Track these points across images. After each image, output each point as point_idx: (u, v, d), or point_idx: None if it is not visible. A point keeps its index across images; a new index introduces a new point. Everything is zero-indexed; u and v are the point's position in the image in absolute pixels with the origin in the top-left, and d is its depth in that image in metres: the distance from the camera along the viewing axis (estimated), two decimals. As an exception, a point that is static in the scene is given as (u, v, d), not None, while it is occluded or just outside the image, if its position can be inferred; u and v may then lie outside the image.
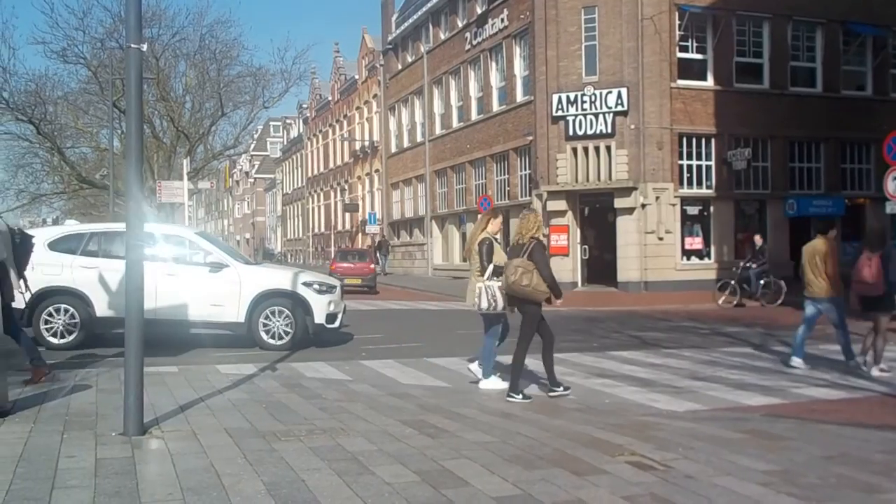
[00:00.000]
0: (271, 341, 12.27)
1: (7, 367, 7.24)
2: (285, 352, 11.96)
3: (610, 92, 26.48)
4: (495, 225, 9.37)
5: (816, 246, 10.81)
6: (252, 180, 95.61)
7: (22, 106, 32.97)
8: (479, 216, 10.04)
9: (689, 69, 27.47)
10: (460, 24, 35.42)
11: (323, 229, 59.54)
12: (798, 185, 29.09)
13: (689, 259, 27.40)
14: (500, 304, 8.85)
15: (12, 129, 35.15)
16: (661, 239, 26.44)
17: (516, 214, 30.37)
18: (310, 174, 63.89)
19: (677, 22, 26.82)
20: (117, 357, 9.93)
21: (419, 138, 39.79)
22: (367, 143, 47.99)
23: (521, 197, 30.35)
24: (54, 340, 12.04)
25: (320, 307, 12.53)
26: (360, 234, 49.48)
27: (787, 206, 28.24)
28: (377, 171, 46.95)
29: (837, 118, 28.53)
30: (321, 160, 60.36)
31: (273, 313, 12.34)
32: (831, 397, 8.92)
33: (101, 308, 12.10)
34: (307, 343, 12.63)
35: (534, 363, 9.56)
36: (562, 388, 8.72)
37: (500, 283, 8.75)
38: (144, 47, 6.38)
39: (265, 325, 12.31)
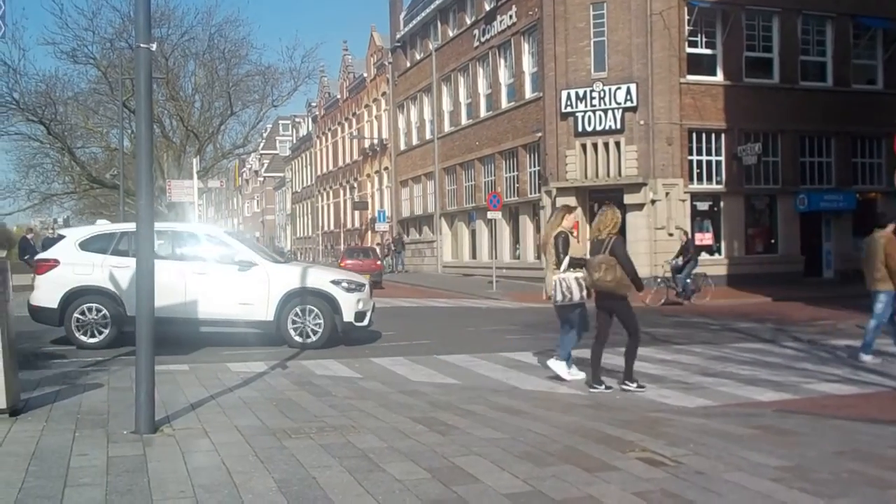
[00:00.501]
0: (300, 340, 12.19)
1: (18, 365, 7.27)
2: (314, 350, 11.90)
3: (619, 88, 26.43)
4: (570, 220, 9.60)
5: (878, 240, 10.76)
6: (261, 179, 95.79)
7: (32, 106, 33.11)
8: (554, 212, 10.30)
9: (699, 64, 27.40)
10: (468, 21, 35.39)
11: (332, 227, 59.63)
12: (809, 179, 28.99)
13: (699, 255, 27.26)
14: (576, 295, 9.10)
15: (23, 129, 35.31)
16: (671, 235, 26.37)
17: (525, 211, 30.49)
18: (319, 172, 63.98)
19: (686, 17, 26.76)
20: (128, 356, 9.98)
21: (428, 136, 39.79)
22: (376, 141, 48.01)
23: (531, 194, 30.33)
24: (85, 339, 12.07)
25: (349, 305, 12.41)
26: (369, 232, 49.52)
27: (797, 201, 28.13)
28: (386, 168, 46.97)
29: (848, 112, 28.40)
30: (330, 158, 60.42)
31: (302, 312, 12.25)
32: (843, 392, 8.87)
33: (132, 307, 12.08)
34: (336, 341, 12.52)
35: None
36: (635, 385, 8.91)
37: (576, 275, 9.05)
38: (154, 47, 6.39)
39: (294, 323, 12.25)
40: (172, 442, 5.98)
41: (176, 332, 12.07)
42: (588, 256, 9.12)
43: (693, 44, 27.32)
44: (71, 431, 6.28)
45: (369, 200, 50.05)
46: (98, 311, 12.13)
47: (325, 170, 62.21)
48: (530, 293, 24.38)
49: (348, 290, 12.52)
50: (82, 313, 12.11)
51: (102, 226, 13.59)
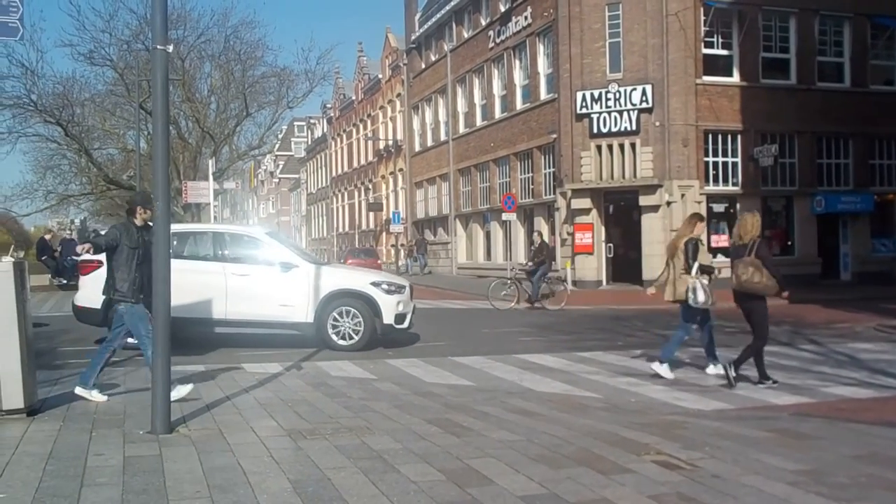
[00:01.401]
0: (340, 342, 12.13)
1: (36, 365, 7.32)
2: (354, 352, 11.87)
3: (634, 89, 26.35)
4: (700, 228, 10.16)
5: None
6: (277, 180, 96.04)
7: (50, 108, 33.33)
8: (685, 219, 10.54)
9: (715, 65, 27.29)
10: (484, 23, 35.38)
11: (347, 229, 59.73)
12: (826, 181, 28.80)
13: (715, 257, 26.83)
14: (703, 300, 9.58)
15: (41, 131, 35.54)
16: (684, 237, 26.23)
17: (540, 213, 30.46)
18: (334, 174, 64.09)
19: (702, 18, 26.65)
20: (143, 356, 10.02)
21: (443, 137, 39.79)
22: (390, 143, 48.06)
23: (545, 195, 30.28)
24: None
25: (389, 307, 12.32)
26: (384, 234, 49.57)
27: (814, 203, 27.96)
28: (401, 170, 47.01)
29: (866, 113, 28.21)
30: (345, 160, 60.52)
31: (342, 314, 12.20)
32: (860, 396, 8.81)
33: (174, 309, 12.04)
34: (375, 343, 12.44)
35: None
36: (771, 381, 9.16)
37: (703, 282, 9.60)
38: (170, 49, 6.43)
39: (334, 325, 12.22)
40: (188, 442, 6.01)
41: (216, 333, 12.12)
42: (711, 261, 9.92)
43: (709, 44, 27.20)
44: (87, 431, 6.32)
45: (384, 202, 50.09)
46: None
47: (339, 171, 62.32)
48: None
49: (388, 291, 12.44)
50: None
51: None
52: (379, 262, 31.81)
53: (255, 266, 12.39)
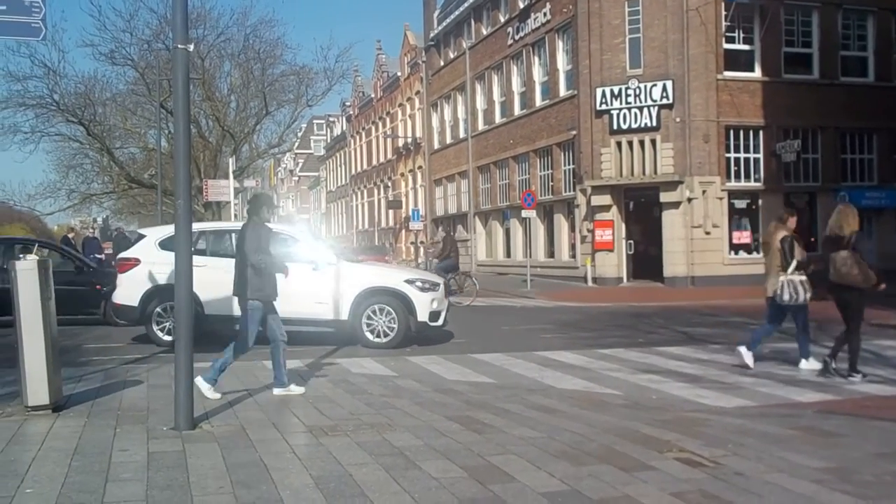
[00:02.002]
0: (375, 339, 12.14)
1: (61, 362, 7.39)
2: (381, 349, 11.90)
3: (655, 85, 26.23)
4: (793, 222, 10.21)
5: None
6: (296, 178, 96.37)
7: (72, 108, 33.59)
8: (778, 217, 10.57)
9: (736, 60, 27.12)
10: (502, 19, 35.32)
11: (367, 226, 59.83)
12: (850, 176, 28.58)
13: (737, 253, 27.06)
14: (802, 297, 9.83)
15: (63, 130, 35.81)
16: (707, 233, 26.15)
17: (560, 210, 30.39)
18: (353, 171, 64.22)
19: (723, 12, 26.49)
20: (167, 353, 10.10)
21: (462, 134, 39.76)
22: (409, 140, 48.08)
23: (565, 192, 30.21)
24: (165, 338, 12.19)
25: (423, 305, 12.29)
26: (403, 231, 49.61)
27: (838, 199, 27.65)
28: (420, 167, 47.03)
29: (890, 108, 27.92)
30: (364, 157, 60.63)
31: (376, 311, 12.20)
32: (885, 393, 8.71)
33: (210, 306, 12.04)
34: (410, 341, 12.39)
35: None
36: (860, 376, 9.23)
37: (801, 278, 9.86)
38: (191, 48, 6.46)
39: (369, 323, 12.21)
40: (211, 438, 6.05)
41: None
42: (805, 255, 10.05)
43: (730, 39, 27.02)
44: (112, 427, 6.37)
45: (403, 199, 50.13)
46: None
47: (359, 169, 62.43)
48: (565, 292, 24.35)
49: (422, 289, 12.41)
50: (162, 312, 12.25)
51: None
52: (387, 257, 31.83)
53: (291, 264, 12.40)
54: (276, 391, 7.95)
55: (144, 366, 10.02)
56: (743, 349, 10.18)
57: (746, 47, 27.35)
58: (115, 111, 36.56)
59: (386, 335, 12.18)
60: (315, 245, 12.77)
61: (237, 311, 12.18)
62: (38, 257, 6.88)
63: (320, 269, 12.09)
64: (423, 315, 12.29)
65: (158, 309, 12.27)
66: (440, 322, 12.68)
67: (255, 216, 8.20)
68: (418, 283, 12.49)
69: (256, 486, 4.83)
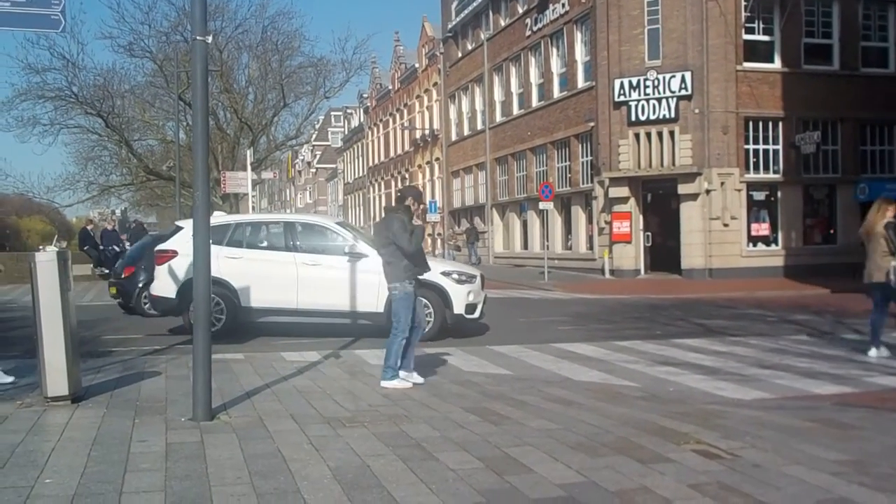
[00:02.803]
0: None
1: (80, 353, 7.45)
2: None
3: (673, 76, 26.07)
4: (893, 209, 10.35)
5: None
6: (314, 170, 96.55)
7: (91, 100, 33.78)
8: (876, 203, 10.70)
9: (756, 51, 26.90)
10: (520, 11, 35.19)
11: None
12: (870, 168, 28.31)
13: (755, 245, 26.92)
14: None
15: (82, 122, 36.01)
16: (726, 225, 26.01)
17: (578, 202, 30.30)
18: (371, 163, 64.28)
19: (743, 3, 26.30)
20: (185, 344, 10.16)
21: (479, 126, 39.69)
22: (427, 132, 48.06)
23: (583, 184, 30.11)
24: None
25: (459, 297, 12.23)
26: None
27: (858, 191, 27.46)
28: (437, 159, 47.01)
29: (911, 99, 27.63)
30: (382, 149, 60.66)
31: None
32: (905, 386, 8.66)
33: (246, 297, 12.19)
34: (445, 334, 12.27)
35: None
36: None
37: None
38: (209, 39, 6.47)
39: None
40: (229, 429, 6.08)
41: (286, 322, 12.23)
42: None
43: (750, 30, 26.81)
44: (130, 418, 6.42)
45: (420, 191, 50.10)
46: (213, 301, 12.29)
47: (376, 161, 62.48)
48: (582, 283, 24.30)
49: (459, 281, 12.34)
50: None
51: (218, 217, 13.60)
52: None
53: (327, 256, 12.39)
54: (402, 374, 8.15)
55: (163, 357, 10.09)
56: (872, 352, 10.34)
57: (766, 38, 27.12)
58: (133, 103, 36.72)
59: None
60: (348, 237, 12.67)
61: (272, 302, 12.23)
62: (56, 249, 6.92)
63: (356, 261, 12.13)
64: (459, 307, 12.23)
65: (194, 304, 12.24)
66: (477, 314, 12.57)
67: (400, 206, 8.35)
68: (455, 276, 12.41)
69: (274, 477, 4.86)
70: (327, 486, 4.70)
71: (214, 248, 11.94)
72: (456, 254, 37.72)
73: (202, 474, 4.91)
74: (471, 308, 12.40)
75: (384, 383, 8.03)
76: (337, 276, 12.15)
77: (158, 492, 4.60)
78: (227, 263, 12.08)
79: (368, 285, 12.03)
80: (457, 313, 12.25)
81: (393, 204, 8.68)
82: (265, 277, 12.09)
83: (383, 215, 8.62)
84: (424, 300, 11.99)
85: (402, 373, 8.13)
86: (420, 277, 12.29)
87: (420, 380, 8.23)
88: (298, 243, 12.60)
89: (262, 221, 14.06)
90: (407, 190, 8.64)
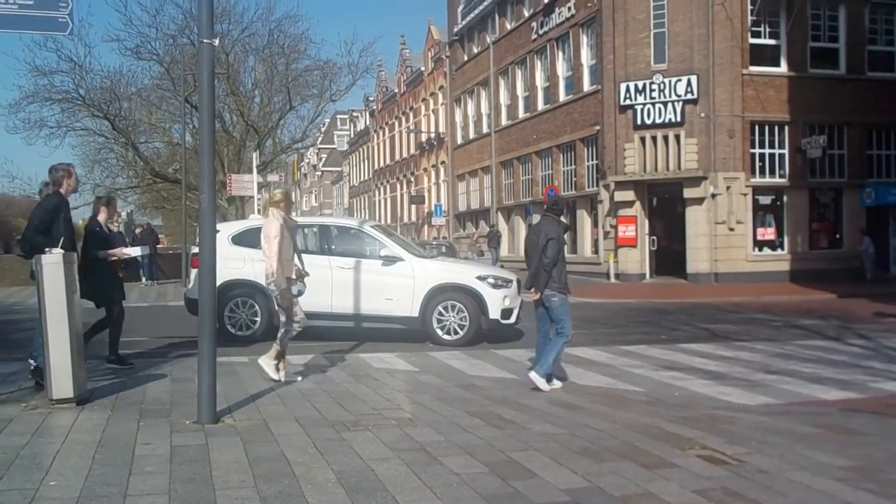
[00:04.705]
0: (446, 337, 12.00)
1: (85, 356, 7.45)
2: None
3: (679, 80, 26.04)
4: None
5: None
6: (319, 173, 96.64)
7: (98, 102, 33.80)
8: None
9: (762, 55, 26.85)
10: (526, 14, 35.20)
11: (389, 221, 59.88)
12: (876, 172, 28.23)
13: (761, 250, 26.86)
14: None
15: (89, 125, 36.00)
16: (731, 229, 25.95)
17: (583, 205, 30.27)
18: (376, 166, 64.33)
19: (749, 7, 26.27)
20: (191, 348, 10.16)
21: (485, 129, 39.70)
22: (433, 135, 48.08)
23: (588, 187, 30.09)
24: (237, 332, 12.24)
25: (495, 302, 12.06)
26: (426, 226, 49.64)
27: (864, 195, 27.42)
28: (443, 162, 47.03)
29: (918, 103, 27.56)
30: (387, 152, 60.71)
31: (447, 308, 12.05)
32: (912, 392, 8.63)
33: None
34: (480, 339, 12.17)
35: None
36: None
37: None
38: (216, 42, 6.48)
39: (439, 320, 12.05)
40: (233, 432, 6.08)
41: (320, 326, 12.21)
42: None
43: (756, 34, 26.77)
44: (135, 421, 6.42)
45: (426, 194, 50.15)
46: (249, 304, 12.28)
47: (382, 164, 62.53)
48: (587, 287, 24.24)
49: (494, 286, 12.21)
50: (235, 307, 12.27)
51: (253, 220, 13.52)
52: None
53: (361, 259, 12.30)
54: (533, 375, 8.28)
55: (168, 360, 10.09)
56: None
57: (772, 42, 27.08)
58: (140, 106, 36.76)
59: (457, 332, 12.03)
60: (383, 240, 12.61)
61: (307, 306, 12.23)
62: (62, 251, 6.93)
63: (391, 265, 12.09)
64: (494, 312, 12.09)
65: (229, 307, 12.25)
66: (512, 320, 12.38)
67: (553, 214, 8.53)
68: (490, 280, 12.31)
69: (278, 481, 4.86)
70: (331, 490, 4.70)
71: (249, 251, 12.09)
72: (479, 258, 36.93)
73: (206, 477, 4.92)
74: (507, 313, 12.22)
75: (541, 385, 8.19)
76: (372, 279, 12.07)
77: (163, 494, 4.60)
78: (262, 266, 12.05)
79: (403, 289, 12.00)
80: (492, 318, 12.09)
81: (546, 212, 8.77)
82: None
83: (539, 220, 8.76)
84: (459, 305, 12.04)
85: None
86: (454, 282, 12.36)
87: (558, 384, 8.45)
88: (333, 246, 12.58)
89: (297, 224, 14.06)
90: (561, 202, 8.84)
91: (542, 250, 8.25)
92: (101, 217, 9.59)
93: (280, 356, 8.51)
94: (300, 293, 8.73)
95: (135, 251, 10.18)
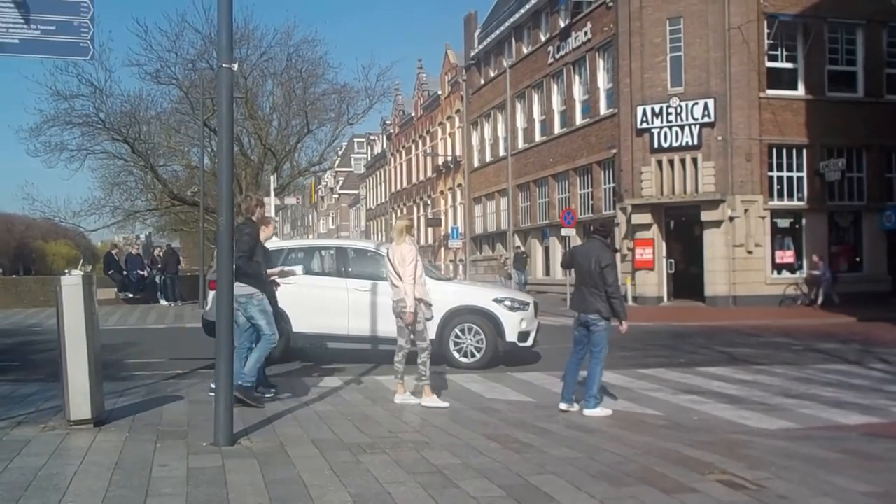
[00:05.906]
0: (462, 360, 11.95)
1: (103, 377, 7.47)
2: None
3: (696, 103, 26.03)
4: None
5: None
6: (337, 196, 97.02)
7: (117, 126, 34.10)
8: None
9: (779, 78, 26.81)
10: (543, 39, 35.34)
11: (406, 244, 59.89)
12: (896, 196, 28.05)
13: (779, 273, 26.68)
14: None
15: (108, 148, 36.28)
16: (750, 252, 25.81)
17: (600, 228, 30.16)
18: (393, 189, 64.52)
19: (766, 31, 26.25)
20: (207, 369, 10.18)
21: (502, 152, 39.76)
22: (449, 158, 48.20)
23: (605, 210, 30.04)
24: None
25: (512, 325, 12.01)
26: (442, 249, 49.65)
27: (884, 218, 27.19)
28: (460, 185, 47.12)
29: (937, 126, 27.39)
30: (404, 175, 60.90)
31: (464, 330, 12.01)
32: (934, 417, 8.52)
33: (299, 324, 12.09)
34: (497, 361, 12.10)
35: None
36: None
37: None
38: (235, 67, 6.54)
39: (456, 342, 12.01)
40: (250, 454, 6.07)
41: (337, 349, 12.20)
42: None
43: (773, 58, 26.75)
44: (152, 442, 6.42)
45: (443, 217, 50.22)
46: None
47: (399, 187, 62.71)
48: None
49: (511, 308, 12.15)
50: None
51: (272, 242, 13.62)
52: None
53: (378, 282, 12.12)
54: (586, 412, 8.21)
55: (185, 381, 10.11)
56: None
57: (789, 65, 27.05)
58: (159, 129, 37.05)
59: (473, 355, 11.98)
60: None
61: (324, 328, 12.15)
62: (82, 273, 6.97)
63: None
64: (511, 335, 12.02)
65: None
66: (529, 343, 12.31)
67: (601, 237, 8.52)
68: (507, 302, 12.24)
69: (294, 503, 4.84)
70: (348, 513, 4.67)
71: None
72: (507, 282, 36.20)
73: (223, 499, 4.90)
74: (523, 336, 12.15)
75: (587, 412, 8.13)
76: (388, 302, 12.06)
77: (179, 517, 4.59)
78: (281, 289, 12.09)
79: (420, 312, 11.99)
80: (509, 341, 12.02)
81: (594, 233, 8.73)
82: (317, 302, 12.02)
83: (586, 243, 8.80)
84: (476, 327, 11.98)
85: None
86: (471, 304, 12.28)
87: (609, 412, 8.31)
88: (350, 269, 12.60)
89: (315, 247, 14.14)
90: (607, 223, 8.82)
91: (601, 279, 8.15)
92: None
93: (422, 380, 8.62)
94: (430, 318, 8.95)
95: (298, 269, 10.10)
